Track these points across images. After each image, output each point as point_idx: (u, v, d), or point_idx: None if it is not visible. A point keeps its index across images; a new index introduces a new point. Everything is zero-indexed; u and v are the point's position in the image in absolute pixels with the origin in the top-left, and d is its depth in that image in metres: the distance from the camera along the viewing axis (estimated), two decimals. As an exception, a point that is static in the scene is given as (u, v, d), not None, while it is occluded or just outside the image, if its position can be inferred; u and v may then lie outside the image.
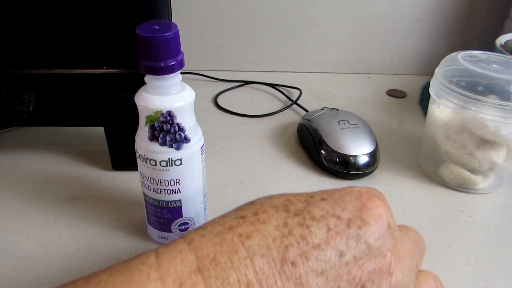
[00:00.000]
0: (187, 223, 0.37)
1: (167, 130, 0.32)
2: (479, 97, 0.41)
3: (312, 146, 0.49)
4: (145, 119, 0.32)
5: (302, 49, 0.76)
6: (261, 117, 0.61)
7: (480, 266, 0.37)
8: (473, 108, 0.42)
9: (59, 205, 0.42)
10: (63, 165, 0.48)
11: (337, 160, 0.46)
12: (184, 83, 0.33)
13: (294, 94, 0.69)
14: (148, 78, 0.32)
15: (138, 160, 0.34)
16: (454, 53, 0.47)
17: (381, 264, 0.22)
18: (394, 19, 0.73)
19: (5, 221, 0.40)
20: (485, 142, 0.44)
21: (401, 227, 0.26)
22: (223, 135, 0.56)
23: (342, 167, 0.46)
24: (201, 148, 0.35)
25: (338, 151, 0.46)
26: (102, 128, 0.46)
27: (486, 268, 0.37)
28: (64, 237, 0.38)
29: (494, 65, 0.45)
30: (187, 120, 0.33)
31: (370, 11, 0.73)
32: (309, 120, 0.52)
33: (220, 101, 0.65)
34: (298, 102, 0.65)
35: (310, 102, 0.65)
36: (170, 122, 0.32)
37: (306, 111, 0.61)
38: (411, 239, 0.26)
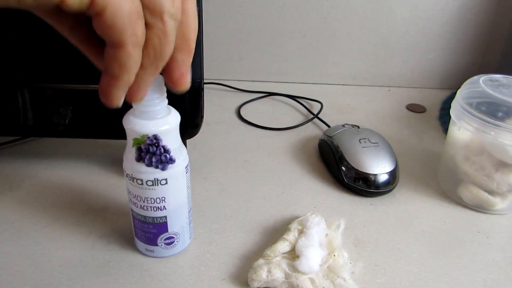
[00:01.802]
0: (173, 237, 0.39)
1: (153, 152, 0.34)
2: (498, 122, 0.43)
3: (333, 162, 0.51)
4: (132, 141, 0.34)
5: (323, 61, 0.77)
6: (283, 130, 0.63)
7: (496, 288, 0.38)
8: (492, 133, 0.43)
9: (92, 215, 0.45)
10: (94, 175, 0.51)
11: (358, 177, 0.48)
12: (170, 107, 0.35)
13: (315, 106, 0.70)
14: (135, 103, 0.33)
15: (126, 178, 0.36)
16: (476, 77, 0.48)
17: None
18: (416, 34, 0.74)
19: (42, 230, 0.43)
20: (504, 165, 0.45)
21: None
22: (246, 147, 0.58)
23: (362, 185, 0.48)
24: (186, 167, 0.37)
25: (359, 169, 0.48)
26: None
27: (502, 290, 0.38)
28: (97, 247, 0.41)
29: (515, 90, 0.46)
30: (172, 142, 0.34)
31: (392, 26, 0.74)
32: (331, 137, 0.53)
33: (243, 112, 0.67)
34: (319, 115, 0.66)
35: (330, 115, 0.67)
36: (156, 144, 0.34)
37: (327, 125, 0.63)
38: None
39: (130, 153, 0.35)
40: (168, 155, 0.34)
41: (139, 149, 0.34)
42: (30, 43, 0.44)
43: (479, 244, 0.43)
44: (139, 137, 0.33)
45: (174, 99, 0.45)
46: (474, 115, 0.44)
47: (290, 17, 0.73)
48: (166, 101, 0.34)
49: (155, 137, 0.33)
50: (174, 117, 0.35)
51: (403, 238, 0.43)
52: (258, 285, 0.35)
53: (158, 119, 0.33)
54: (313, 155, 0.57)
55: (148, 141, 0.33)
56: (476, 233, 0.45)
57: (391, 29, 0.74)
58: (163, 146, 0.34)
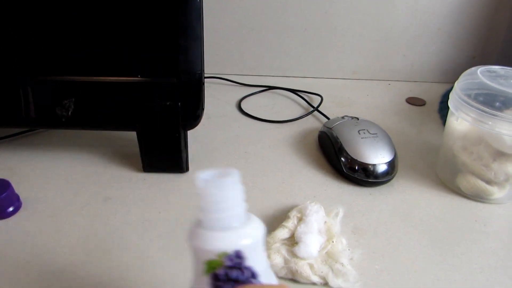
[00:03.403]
0: None
1: (236, 278, 0.23)
2: (496, 112, 0.43)
3: (332, 153, 0.52)
4: (204, 267, 0.23)
5: (324, 55, 0.78)
6: (283, 123, 0.63)
7: (493, 275, 0.39)
8: (490, 123, 0.44)
9: (95, 204, 0.45)
10: (98, 166, 0.51)
11: (357, 168, 0.49)
12: (249, 213, 0.25)
13: (315, 100, 0.71)
14: (204, 207, 0.23)
15: None
16: (473, 68, 0.49)
17: None
18: (416, 28, 0.75)
19: (46, 219, 0.43)
20: (501, 155, 0.45)
21: None
22: (247, 140, 0.59)
23: (362, 175, 0.48)
24: None
25: (358, 159, 0.48)
26: (134, 132, 0.49)
27: (499, 277, 0.38)
28: (100, 235, 0.41)
29: (512, 80, 0.46)
30: (259, 261, 0.24)
31: (393, 20, 0.74)
32: (330, 128, 0.54)
33: (243, 105, 0.68)
34: (319, 108, 0.67)
35: (330, 108, 0.67)
36: (239, 266, 0.23)
37: (327, 117, 0.63)
38: None
39: (201, 285, 0.23)
40: (255, 281, 0.23)
41: (216, 277, 0.23)
42: (33, 35, 0.45)
43: (476, 232, 0.44)
44: (216, 258, 0.23)
45: (176, 92, 0.46)
46: (472, 106, 0.45)
47: (291, 12, 0.74)
48: (245, 204, 0.24)
49: (238, 254, 0.23)
50: (257, 226, 0.24)
51: (401, 227, 0.44)
52: (258, 271, 0.36)
53: (238, 229, 0.24)
54: (313, 147, 0.57)
55: (228, 262, 0.23)
56: (473, 222, 0.45)
57: (391, 23, 0.75)
58: (248, 268, 0.23)
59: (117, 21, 0.44)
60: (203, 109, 0.49)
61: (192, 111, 0.48)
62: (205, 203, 0.23)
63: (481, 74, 0.47)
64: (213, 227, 0.23)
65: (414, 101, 0.72)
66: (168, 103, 0.46)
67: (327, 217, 0.41)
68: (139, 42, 0.45)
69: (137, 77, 0.46)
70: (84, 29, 0.45)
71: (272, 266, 0.36)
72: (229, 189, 0.24)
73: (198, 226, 0.24)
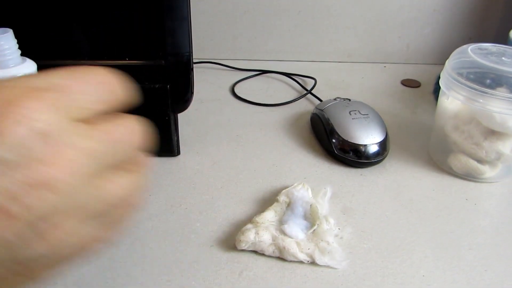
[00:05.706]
0: None
1: None
2: (486, 89, 0.43)
3: (324, 135, 0.51)
4: None
5: (318, 38, 0.77)
6: (276, 106, 0.63)
7: (481, 252, 0.39)
8: (481, 101, 0.43)
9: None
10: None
11: (348, 149, 0.48)
12: (26, 58, 0.37)
13: (309, 83, 0.70)
14: None
15: None
16: (464, 46, 0.48)
17: (27, 178, 0.18)
18: (411, 9, 0.74)
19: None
20: (492, 133, 0.45)
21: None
22: (239, 123, 0.58)
23: (352, 156, 0.48)
24: None
25: (349, 140, 0.48)
26: (124, 117, 0.49)
27: (487, 254, 0.39)
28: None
29: (503, 58, 0.46)
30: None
31: (387, 1, 0.73)
32: (322, 110, 0.53)
33: (237, 90, 0.68)
34: (313, 91, 0.67)
35: (324, 91, 0.67)
36: None
37: (320, 100, 0.63)
38: (101, 138, 0.20)
39: None
40: None
41: None
42: (21, 20, 0.45)
43: (466, 211, 0.44)
44: None
45: (164, 74, 0.46)
46: (462, 84, 0.44)
47: (284, -6, 0.73)
48: (19, 51, 0.35)
49: None
50: (29, 66, 0.36)
51: (391, 206, 0.44)
52: (245, 247, 0.36)
53: (11, 68, 0.35)
54: (306, 129, 0.57)
55: None
56: (464, 200, 0.45)
57: (386, 5, 0.74)
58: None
59: (103, 3, 0.44)
60: (193, 92, 0.49)
61: (181, 94, 0.47)
62: None
63: (471, 52, 0.46)
64: None
65: (409, 83, 0.71)
66: (157, 86, 0.46)
67: (314, 198, 0.41)
68: (125, 25, 0.44)
69: (125, 60, 0.46)
70: (70, 13, 0.44)
71: (260, 243, 0.36)
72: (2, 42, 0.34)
73: None
